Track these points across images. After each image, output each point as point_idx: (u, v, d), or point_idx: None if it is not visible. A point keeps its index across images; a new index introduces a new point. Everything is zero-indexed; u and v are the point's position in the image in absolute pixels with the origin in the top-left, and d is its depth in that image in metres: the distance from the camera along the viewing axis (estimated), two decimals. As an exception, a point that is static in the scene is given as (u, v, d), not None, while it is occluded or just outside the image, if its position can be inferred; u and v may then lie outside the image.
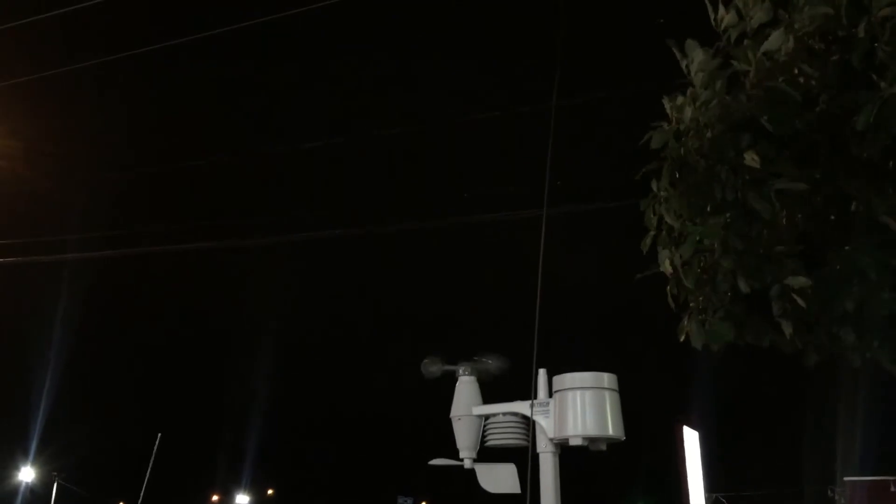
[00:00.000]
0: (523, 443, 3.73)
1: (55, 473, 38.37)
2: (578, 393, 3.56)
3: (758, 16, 3.17)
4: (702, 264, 3.42)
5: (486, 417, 3.88)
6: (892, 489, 30.00)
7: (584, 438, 3.52)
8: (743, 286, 3.27)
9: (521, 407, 3.75)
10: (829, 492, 32.62)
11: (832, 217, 3.26)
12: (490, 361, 3.99)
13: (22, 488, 38.16)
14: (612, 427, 3.53)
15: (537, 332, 3.71)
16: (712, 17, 3.42)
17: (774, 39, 3.06)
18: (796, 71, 3.11)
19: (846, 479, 31.26)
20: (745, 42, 3.23)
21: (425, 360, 4.02)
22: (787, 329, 3.31)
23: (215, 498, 50.97)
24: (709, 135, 3.20)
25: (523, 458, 3.67)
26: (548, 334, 3.78)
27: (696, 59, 3.31)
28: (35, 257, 13.05)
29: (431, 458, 4.01)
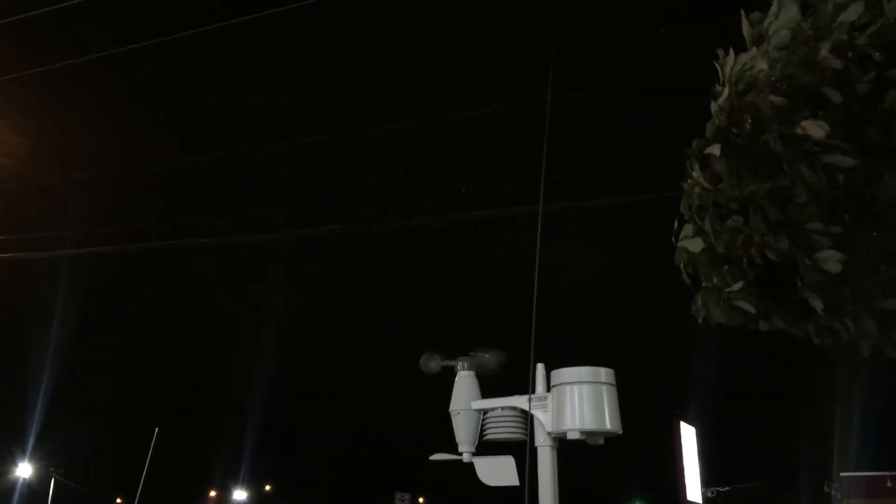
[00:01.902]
0: (521, 437, 3.76)
1: (52, 469, 38.40)
2: (576, 387, 3.59)
3: None
4: (728, 236, 3.36)
5: (485, 412, 3.91)
6: (889, 485, 30.12)
7: (582, 432, 3.54)
8: (771, 255, 3.22)
9: (520, 401, 3.78)
10: (825, 487, 32.71)
11: (864, 198, 3.23)
12: (488, 356, 4.01)
13: (19, 484, 38.19)
14: (609, 421, 3.55)
15: (535, 327, 3.74)
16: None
17: (853, 10, 3.02)
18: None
19: (843, 474, 31.37)
20: (825, 10, 3.18)
21: (424, 356, 4.04)
22: (818, 305, 3.24)
23: (213, 493, 51.01)
24: (776, 98, 3.15)
25: (521, 451, 3.69)
26: (545, 329, 3.80)
27: (784, 15, 3.23)
28: (34, 253, 13.05)
29: (428, 454, 4.04)
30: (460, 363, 4.03)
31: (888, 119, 2.95)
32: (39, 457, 38.14)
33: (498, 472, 3.81)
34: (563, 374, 3.66)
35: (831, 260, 3.07)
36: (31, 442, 36.65)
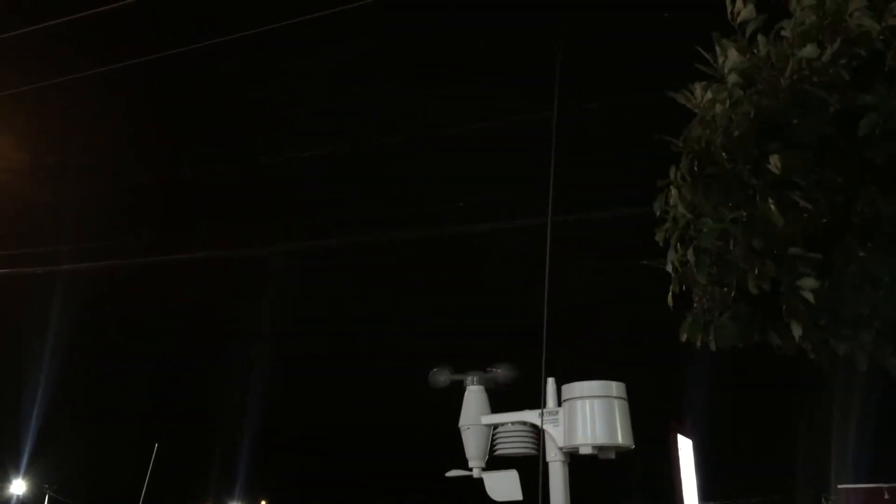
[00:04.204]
0: (533, 452, 3.73)
1: (47, 486, 38.13)
2: (587, 402, 3.57)
3: (808, 19, 3.17)
4: (713, 261, 3.41)
5: (495, 427, 3.88)
6: (886, 497, 30.09)
7: (594, 447, 3.52)
8: (752, 286, 3.27)
9: (531, 416, 3.75)
10: (822, 499, 32.67)
11: (843, 219, 3.27)
12: (499, 371, 3.98)
13: (13, 501, 37.90)
14: (621, 435, 3.53)
15: (545, 342, 3.71)
16: (729, 10, 3.42)
17: (811, 50, 3.06)
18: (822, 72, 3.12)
19: (840, 486, 31.34)
20: (784, 42, 3.22)
21: (433, 370, 4.01)
22: (797, 331, 3.29)
23: (208, 509, 50.66)
24: (736, 133, 3.19)
25: (533, 467, 3.66)
26: (555, 343, 3.78)
27: (730, 58, 3.29)
28: (29, 268, 13.00)
29: (428, 468, 4.01)
30: (469, 378, 4.00)
31: (862, 144, 2.96)
32: (33, 473, 37.89)
33: (503, 486, 3.78)
34: (574, 388, 3.64)
35: (808, 288, 3.11)
36: (24, 458, 36.42)
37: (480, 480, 3.84)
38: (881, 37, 3.02)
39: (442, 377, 4.01)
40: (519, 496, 3.70)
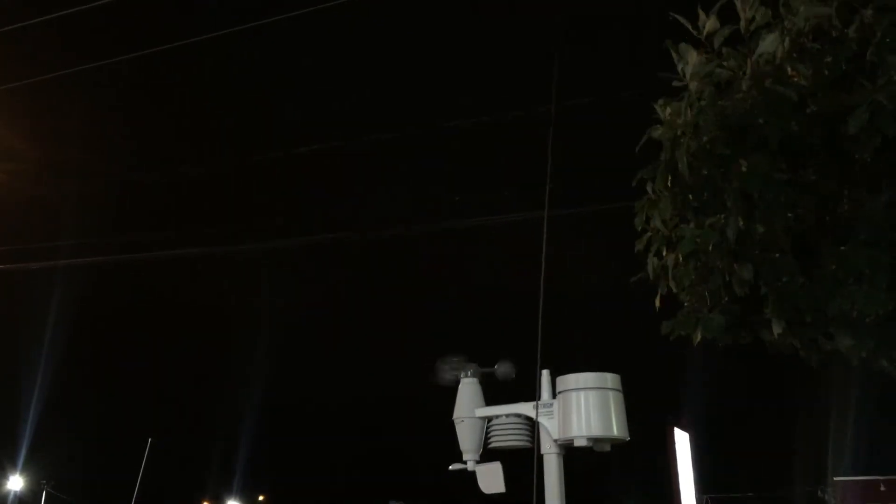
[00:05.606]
0: (527, 444, 3.72)
1: (44, 482, 38.14)
2: (582, 394, 3.55)
3: (755, 19, 3.19)
4: (696, 265, 3.44)
5: (489, 419, 3.88)
6: (882, 489, 30.20)
7: (589, 439, 3.51)
8: (738, 288, 3.29)
9: (525, 408, 3.74)
10: (818, 492, 32.78)
11: (826, 217, 3.29)
12: (496, 366, 3.97)
13: (10, 497, 37.90)
14: (616, 427, 3.52)
15: (540, 334, 3.71)
16: (690, 25, 3.45)
17: (770, 42, 3.08)
18: (791, 71, 3.14)
19: (836, 479, 31.46)
20: (738, 46, 3.25)
21: (437, 366, 3.99)
22: (777, 328, 3.33)
23: (205, 504, 50.69)
24: (705, 139, 3.21)
25: (528, 459, 3.66)
26: (550, 335, 3.77)
27: (691, 63, 3.31)
28: (25, 264, 12.98)
29: (422, 463, 4.01)
30: (464, 371, 3.99)
31: (853, 137, 2.97)
32: (31, 470, 37.89)
33: (490, 479, 3.77)
34: (569, 380, 3.62)
35: (788, 288, 3.12)
36: (22, 454, 36.40)
37: (475, 473, 3.84)
38: (837, 24, 3.02)
39: (450, 375, 3.99)
40: (502, 489, 3.70)
